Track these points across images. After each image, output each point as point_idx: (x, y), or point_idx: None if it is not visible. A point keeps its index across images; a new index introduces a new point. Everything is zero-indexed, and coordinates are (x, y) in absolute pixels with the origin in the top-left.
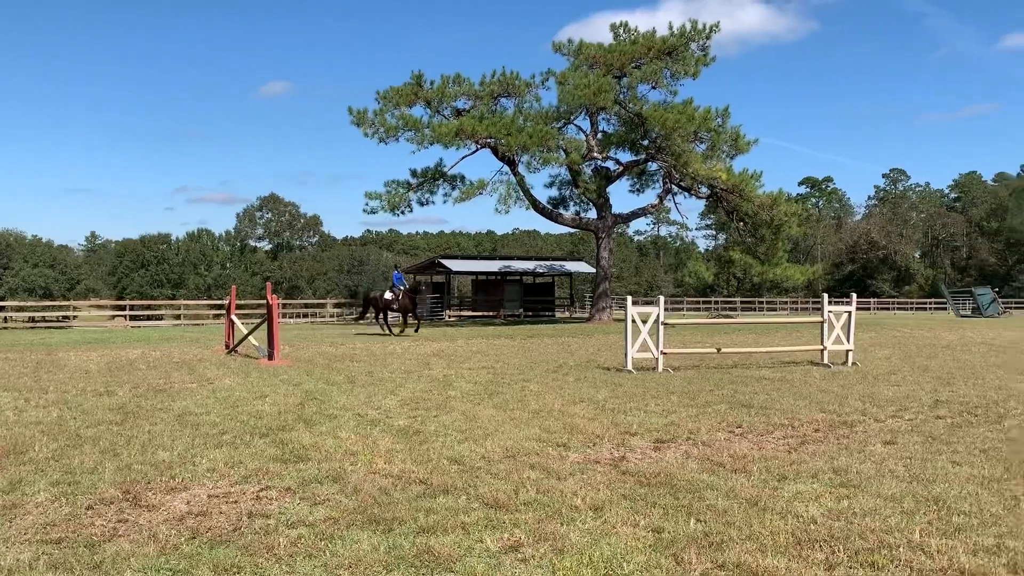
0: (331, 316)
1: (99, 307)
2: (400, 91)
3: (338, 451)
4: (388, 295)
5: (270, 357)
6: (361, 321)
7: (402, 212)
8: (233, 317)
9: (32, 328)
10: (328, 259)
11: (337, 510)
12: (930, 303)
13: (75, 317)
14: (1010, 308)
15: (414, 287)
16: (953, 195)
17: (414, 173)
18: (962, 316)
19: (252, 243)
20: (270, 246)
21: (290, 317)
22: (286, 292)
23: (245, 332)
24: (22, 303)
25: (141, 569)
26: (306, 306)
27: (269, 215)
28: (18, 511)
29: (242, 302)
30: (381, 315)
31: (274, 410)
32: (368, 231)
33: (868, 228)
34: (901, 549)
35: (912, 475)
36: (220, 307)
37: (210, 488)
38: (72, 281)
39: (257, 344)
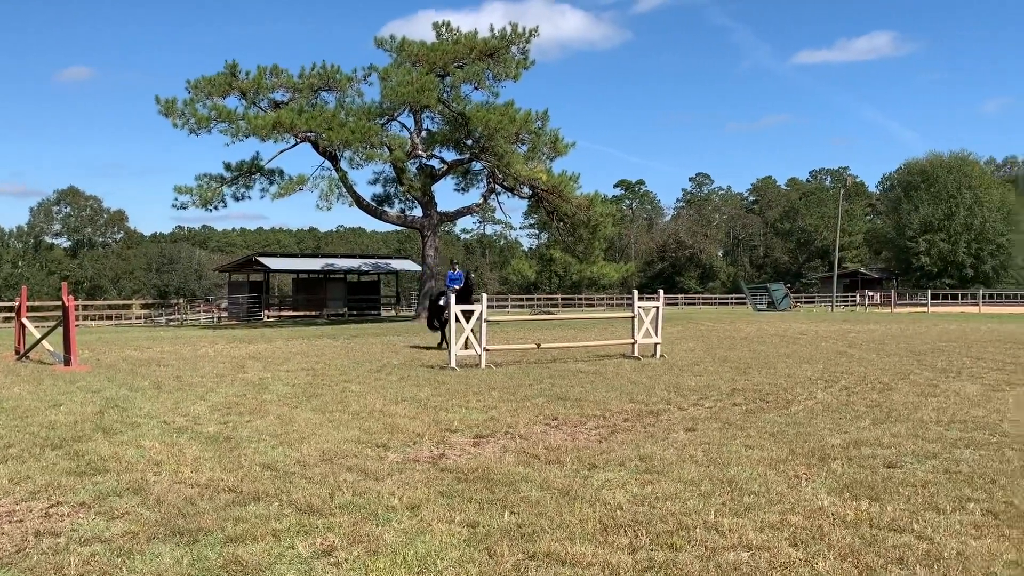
0: (138, 318)
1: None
2: (213, 81)
3: (140, 461)
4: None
5: (66, 363)
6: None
7: (215, 207)
8: (24, 320)
9: None
10: (135, 257)
11: (137, 524)
12: (731, 298)
13: None
14: (800, 302)
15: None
16: (751, 198)
17: (228, 167)
18: (759, 310)
19: (48, 240)
20: (69, 243)
21: (92, 320)
22: (87, 293)
23: (38, 336)
24: None
25: None
26: (110, 307)
27: (68, 209)
28: None
29: (35, 304)
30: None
31: (69, 420)
32: (179, 227)
33: (676, 229)
34: (697, 530)
35: (710, 459)
36: (10, 309)
37: None
38: None
39: (51, 349)
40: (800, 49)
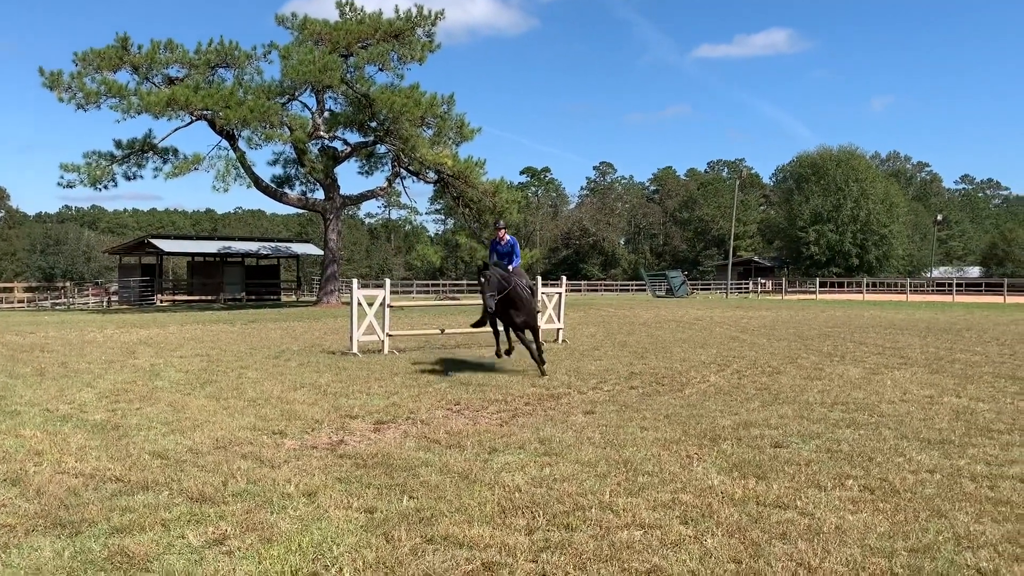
0: (21, 302)
1: None
2: (102, 54)
3: (20, 451)
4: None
5: None
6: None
7: (105, 187)
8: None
9: None
10: (17, 237)
11: (15, 516)
12: (632, 285)
13: None
14: (697, 289)
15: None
16: (652, 187)
17: (119, 144)
18: (658, 296)
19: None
20: None
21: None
22: None
23: None
24: None
25: None
26: None
27: None
28: None
29: None
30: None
31: None
32: (67, 207)
33: (580, 216)
34: (593, 510)
35: (607, 441)
36: None
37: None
38: None
39: None
40: (700, 43)
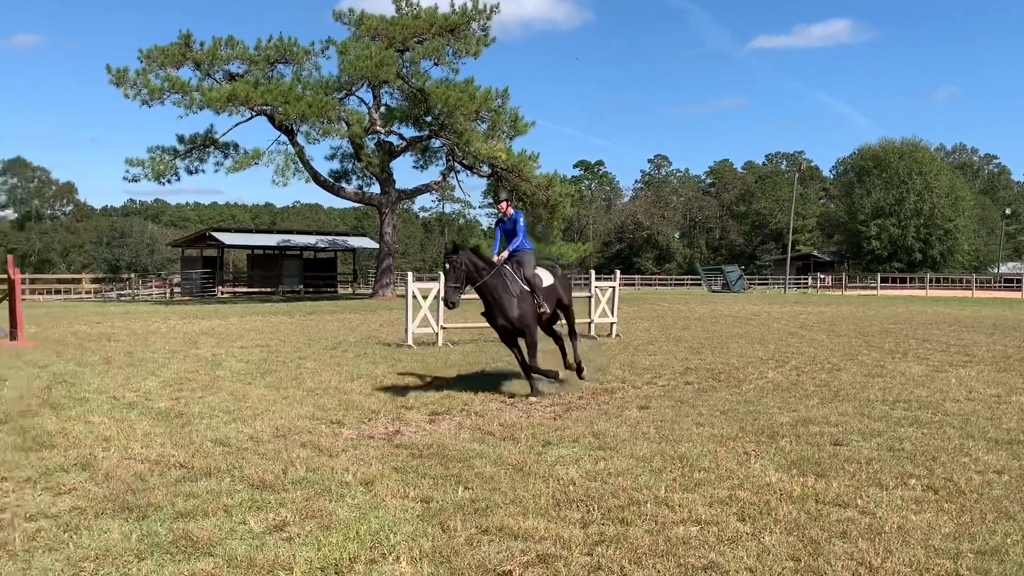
0: (88, 293)
1: None
2: (166, 51)
3: (89, 437)
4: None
5: (12, 337)
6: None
7: (168, 181)
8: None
9: None
10: (85, 230)
11: (85, 499)
12: (687, 279)
13: None
14: (754, 284)
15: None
16: (708, 180)
17: (182, 139)
18: (713, 291)
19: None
20: (16, 215)
21: (40, 294)
22: (35, 267)
23: None
24: None
25: None
26: (59, 281)
27: (15, 181)
28: None
29: None
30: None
31: (14, 395)
32: (131, 200)
33: (635, 210)
34: (648, 505)
35: (662, 436)
36: None
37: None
38: None
39: None
40: (758, 34)
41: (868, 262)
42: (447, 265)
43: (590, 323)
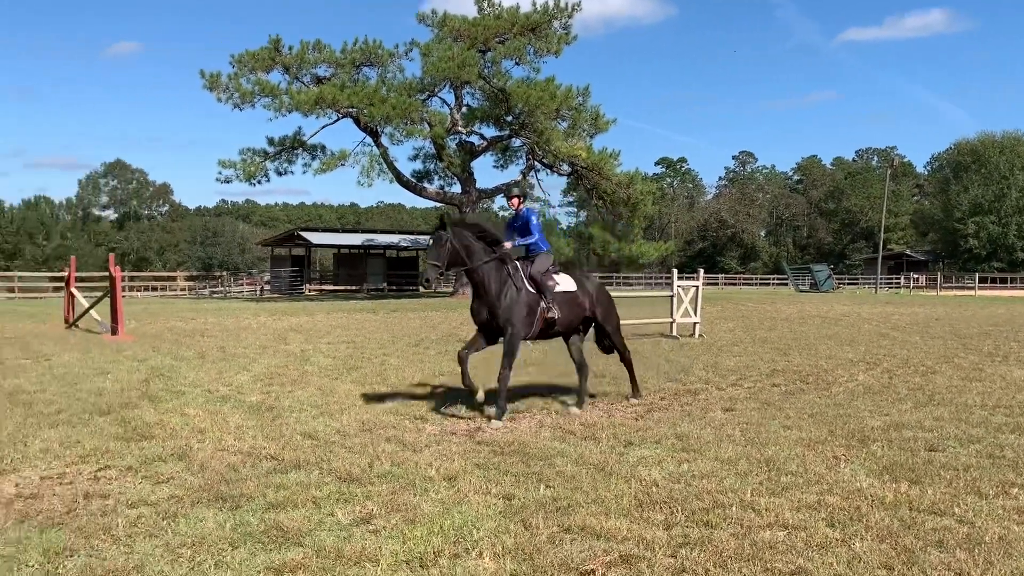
0: (183, 290)
1: None
2: (256, 55)
3: (185, 428)
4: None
5: (113, 332)
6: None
7: (258, 182)
8: (73, 290)
9: None
10: (179, 230)
11: (182, 488)
12: (773, 279)
13: None
14: (843, 284)
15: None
16: (796, 177)
17: (271, 141)
18: (801, 291)
19: (96, 212)
20: (116, 215)
21: (138, 291)
22: (133, 264)
23: (86, 306)
24: None
25: None
26: (156, 279)
27: (115, 182)
28: None
29: (83, 274)
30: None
31: (116, 387)
32: (223, 201)
33: (718, 208)
34: (733, 508)
35: (747, 439)
36: (59, 280)
37: (42, 470)
38: None
39: (99, 319)
40: (848, 26)
41: (965, 261)
42: (431, 240)
43: (672, 323)
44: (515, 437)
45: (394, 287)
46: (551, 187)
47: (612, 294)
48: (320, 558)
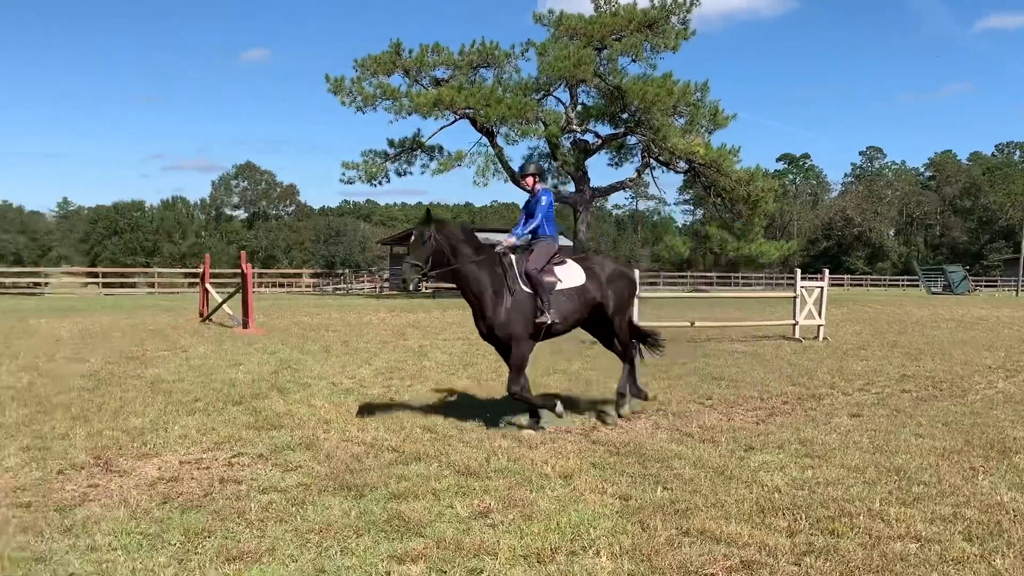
0: (307, 286)
1: (71, 274)
2: (378, 59)
3: (312, 419)
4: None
5: (244, 326)
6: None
7: (379, 182)
8: (208, 286)
9: (2, 295)
10: (305, 229)
11: (309, 476)
12: (903, 280)
13: (46, 284)
14: (980, 286)
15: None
16: (928, 173)
17: (391, 143)
18: (933, 293)
19: (228, 212)
20: (246, 215)
21: (266, 287)
22: (262, 262)
23: (219, 301)
24: None
25: (111, 533)
26: (282, 276)
27: (245, 183)
28: None
29: (217, 271)
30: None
31: (248, 378)
32: (345, 201)
33: (844, 205)
34: (861, 517)
35: (876, 447)
36: (195, 276)
37: (182, 454)
38: (43, 248)
39: (231, 313)
40: (986, 14)
41: None
42: (412, 237)
43: (794, 325)
44: (631, 438)
45: None
46: (667, 185)
47: (730, 295)
48: (440, 549)
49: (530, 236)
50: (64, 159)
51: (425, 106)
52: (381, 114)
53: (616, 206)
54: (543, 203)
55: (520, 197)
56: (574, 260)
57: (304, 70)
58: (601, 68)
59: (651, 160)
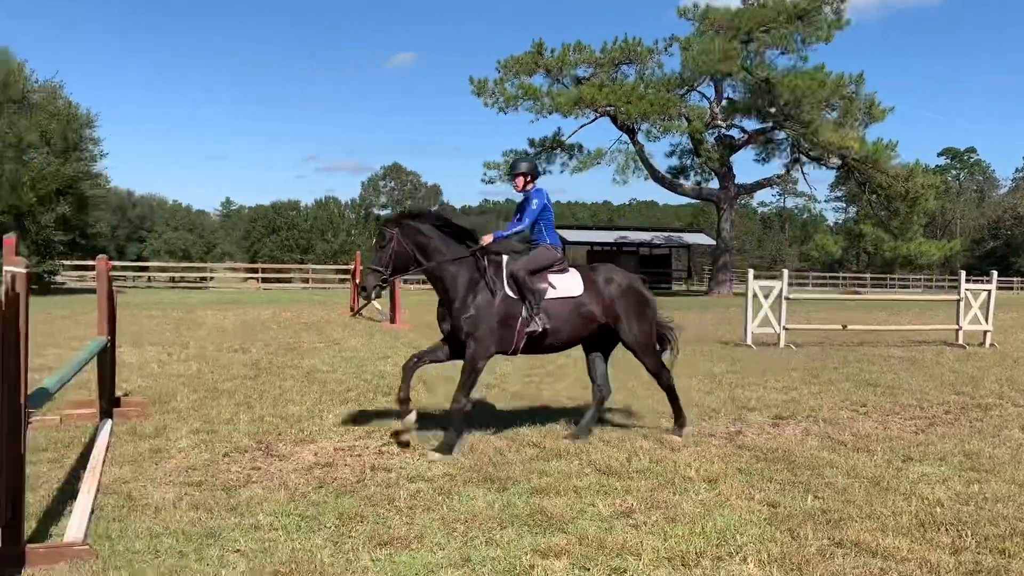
0: None
1: (233, 269)
2: (520, 60)
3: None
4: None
5: (392, 320)
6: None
7: None
8: (358, 282)
9: (173, 288)
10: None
11: (454, 468)
12: None
13: (211, 278)
14: None
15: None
16: None
17: (532, 143)
18: None
19: (376, 211)
20: (392, 214)
21: (411, 283)
22: None
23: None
24: (164, 264)
25: (272, 513)
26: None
27: (392, 184)
28: (163, 455)
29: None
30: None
31: (395, 371)
32: (486, 200)
33: (1015, 203)
34: None
35: None
36: (345, 272)
37: (336, 441)
38: (209, 244)
39: (380, 308)
40: None
41: None
42: (375, 238)
43: (958, 330)
44: (779, 444)
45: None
46: (818, 181)
47: (887, 297)
48: (583, 546)
49: (513, 238)
50: (223, 161)
51: (566, 105)
52: (522, 114)
53: (762, 203)
54: (532, 206)
55: (660, 195)
56: (578, 270)
57: (448, 73)
58: (748, 61)
59: (801, 155)
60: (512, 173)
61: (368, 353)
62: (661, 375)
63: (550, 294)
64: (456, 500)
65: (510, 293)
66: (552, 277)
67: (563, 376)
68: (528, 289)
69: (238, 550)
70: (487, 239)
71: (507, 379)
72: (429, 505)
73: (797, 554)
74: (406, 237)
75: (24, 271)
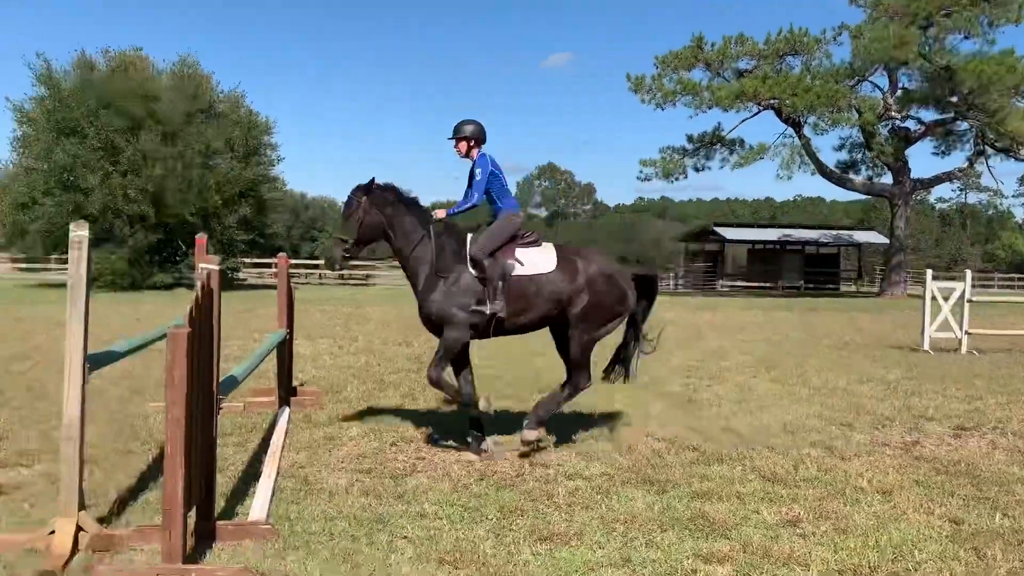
0: None
1: (395, 268)
2: (679, 55)
3: (608, 411)
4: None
5: None
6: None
7: (676, 178)
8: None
9: (342, 285)
10: (600, 226)
11: (612, 467)
12: None
13: (376, 276)
14: None
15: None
16: None
17: (690, 139)
18: None
19: (531, 210)
20: (546, 213)
21: None
22: None
23: None
24: None
25: (437, 502)
26: None
27: (547, 183)
28: (335, 443)
29: None
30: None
31: (550, 364)
32: (640, 198)
33: None
34: None
35: None
36: None
37: (495, 435)
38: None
39: None
40: None
41: None
42: (342, 206)
43: None
44: (961, 456)
45: (812, 285)
46: (1005, 174)
47: None
48: (747, 553)
49: (466, 212)
50: (383, 164)
51: (727, 99)
52: (680, 110)
53: (940, 199)
54: (477, 177)
55: (827, 191)
56: (557, 247)
57: (603, 72)
58: (926, 48)
59: (986, 147)
60: (455, 136)
61: (522, 350)
62: (579, 374)
63: (516, 271)
64: (615, 500)
65: (473, 272)
66: (521, 253)
67: (724, 380)
68: (486, 270)
69: (406, 536)
70: (439, 213)
71: (663, 380)
72: (588, 503)
73: (984, 575)
74: (375, 206)
75: (217, 268)
